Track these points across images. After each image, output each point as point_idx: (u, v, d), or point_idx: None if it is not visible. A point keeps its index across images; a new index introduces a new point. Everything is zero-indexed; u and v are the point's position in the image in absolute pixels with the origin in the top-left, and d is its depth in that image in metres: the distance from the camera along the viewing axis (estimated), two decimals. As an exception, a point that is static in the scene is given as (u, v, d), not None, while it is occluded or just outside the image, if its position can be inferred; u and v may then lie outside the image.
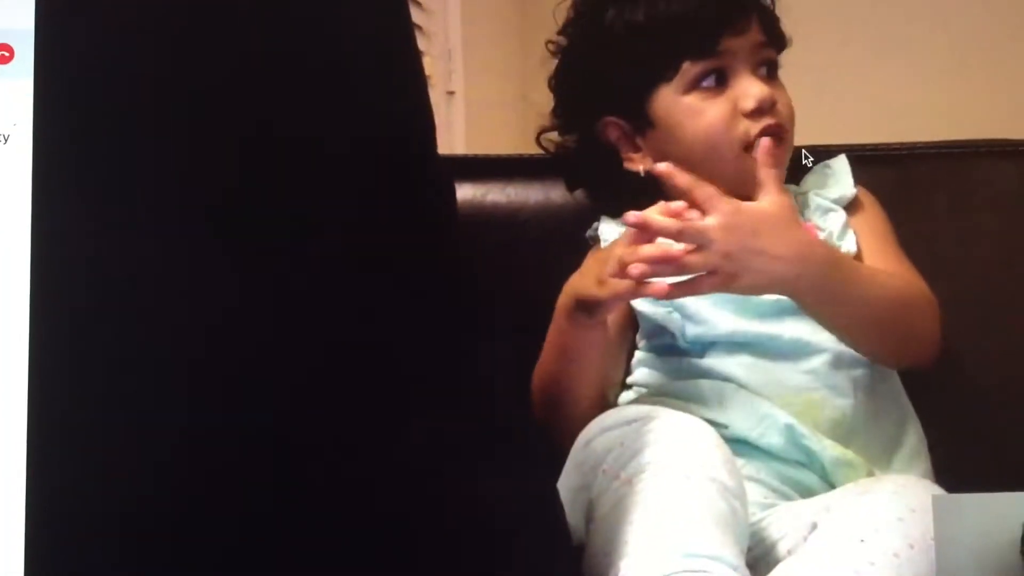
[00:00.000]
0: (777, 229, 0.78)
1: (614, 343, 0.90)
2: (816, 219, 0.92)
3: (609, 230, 0.95)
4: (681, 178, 0.78)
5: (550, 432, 0.85)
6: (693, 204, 0.76)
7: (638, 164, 0.93)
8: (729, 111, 0.88)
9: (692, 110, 0.89)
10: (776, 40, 0.92)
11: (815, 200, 0.93)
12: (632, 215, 0.77)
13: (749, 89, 0.88)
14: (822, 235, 0.90)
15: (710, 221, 0.75)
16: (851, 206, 0.93)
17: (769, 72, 0.91)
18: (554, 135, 1.00)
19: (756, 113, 0.88)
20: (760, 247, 0.76)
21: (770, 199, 0.79)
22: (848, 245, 0.90)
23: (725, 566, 0.65)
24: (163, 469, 0.51)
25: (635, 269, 0.75)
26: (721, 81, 0.89)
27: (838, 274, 0.80)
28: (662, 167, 0.79)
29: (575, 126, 0.97)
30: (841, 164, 0.94)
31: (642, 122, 0.92)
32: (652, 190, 0.86)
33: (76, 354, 0.50)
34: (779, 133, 0.88)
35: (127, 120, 0.52)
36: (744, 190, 0.82)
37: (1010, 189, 0.98)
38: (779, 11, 0.95)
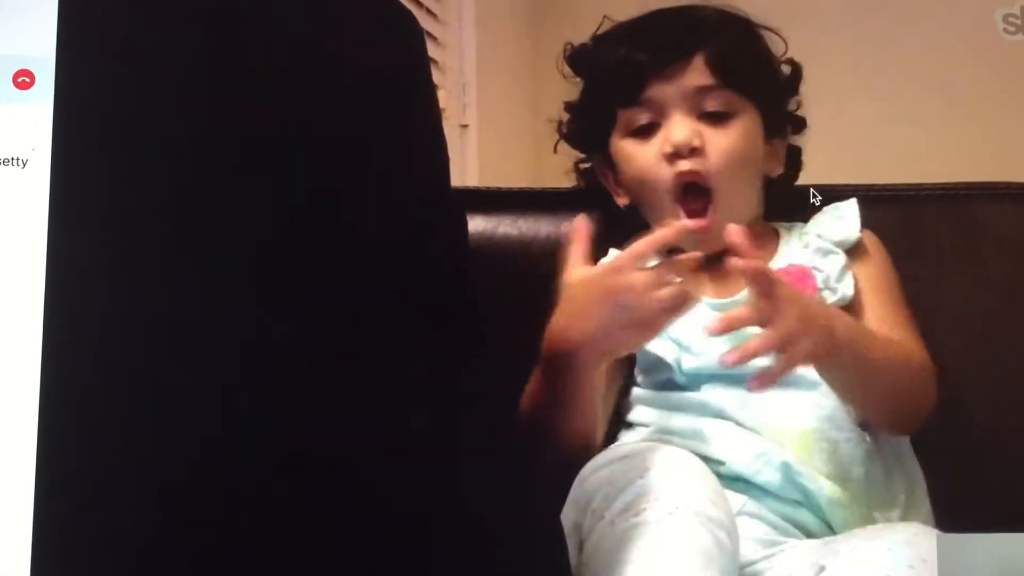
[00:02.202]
0: (814, 305, 0.81)
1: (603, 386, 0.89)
2: (816, 260, 0.92)
3: None
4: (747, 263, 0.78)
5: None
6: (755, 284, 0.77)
7: (622, 199, 0.97)
8: (655, 156, 0.90)
9: (627, 154, 0.93)
10: (735, 80, 0.91)
11: (816, 241, 0.93)
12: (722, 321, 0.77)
13: (670, 133, 0.89)
14: (820, 276, 0.90)
15: (790, 317, 0.76)
16: (855, 250, 0.93)
17: (717, 116, 0.90)
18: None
19: (673, 157, 0.89)
20: (820, 326, 0.78)
21: (788, 291, 0.79)
22: (845, 289, 0.90)
23: None
24: (167, 483, 0.51)
25: (731, 356, 0.76)
26: (653, 127, 0.91)
27: (863, 347, 0.82)
28: (733, 234, 0.78)
29: (586, 154, 1.01)
30: (850, 208, 0.94)
31: (611, 162, 0.96)
32: (640, 223, 0.90)
33: (89, 377, 0.51)
34: (696, 180, 0.89)
35: (145, 147, 0.53)
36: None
37: (1017, 231, 0.99)
38: (791, 50, 0.96)
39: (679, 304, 0.78)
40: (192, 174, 0.53)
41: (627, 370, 0.93)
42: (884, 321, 0.89)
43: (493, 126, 1.78)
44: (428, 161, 0.60)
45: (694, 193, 0.90)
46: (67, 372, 0.50)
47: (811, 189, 0.97)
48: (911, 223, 0.97)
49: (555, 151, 1.02)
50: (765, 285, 0.77)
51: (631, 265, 0.79)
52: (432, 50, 1.62)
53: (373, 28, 0.57)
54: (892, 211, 0.98)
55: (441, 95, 1.60)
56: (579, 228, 0.83)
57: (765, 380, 0.77)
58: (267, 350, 0.52)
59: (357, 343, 0.55)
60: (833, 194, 0.98)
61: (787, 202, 0.98)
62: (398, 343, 0.57)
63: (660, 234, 0.80)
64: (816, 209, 0.97)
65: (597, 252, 0.98)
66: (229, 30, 0.54)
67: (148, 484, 0.50)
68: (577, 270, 0.82)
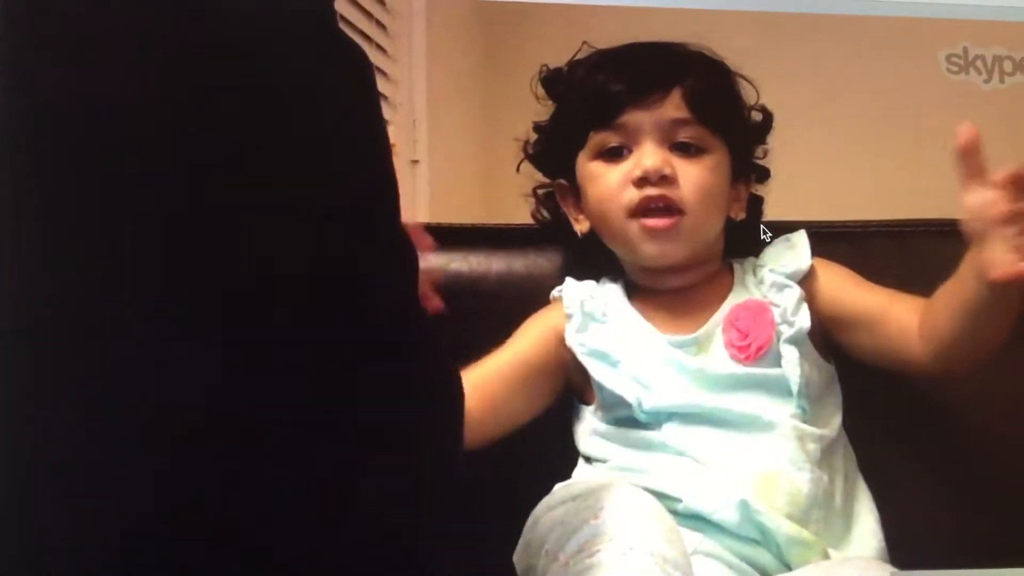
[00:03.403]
0: None
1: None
2: (772, 295, 0.93)
3: (572, 291, 0.96)
4: None
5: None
6: None
7: (581, 225, 0.98)
8: (622, 179, 0.92)
9: (593, 175, 0.94)
10: (709, 117, 0.93)
11: (770, 276, 0.94)
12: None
13: (641, 159, 0.91)
14: (776, 311, 0.91)
15: None
16: (809, 277, 0.94)
17: (689, 149, 0.92)
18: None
19: (642, 182, 0.90)
20: None
21: None
22: (801, 322, 0.90)
23: None
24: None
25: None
26: (622, 152, 0.92)
27: None
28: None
29: (549, 177, 1.02)
30: (800, 239, 0.96)
31: (575, 186, 0.97)
32: (599, 248, 0.94)
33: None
34: (662, 205, 0.90)
35: (87, 164, 0.51)
36: (630, 254, 0.92)
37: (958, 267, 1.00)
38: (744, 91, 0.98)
39: None
40: (140, 198, 0.51)
41: (558, 389, 0.94)
42: (879, 298, 0.90)
43: (444, 161, 1.77)
44: (378, 195, 0.59)
45: (658, 212, 0.91)
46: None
47: (761, 226, 0.98)
48: (857, 259, 0.98)
49: (517, 171, 1.02)
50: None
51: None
52: (382, 86, 1.62)
53: (320, 62, 0.56)
54: (839, 247, 0.99)
55: (391, 131, 1.60)
56: None
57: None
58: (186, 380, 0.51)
59: (296, 378, 0.54)
60: (783, 230, 0.99)
61: (741, 239, 0.99)
62: (342, 379, 0.56)
63: None
64: (767, 244, 0.98)
65: (556, 283, 0.98)
66: (170, 48, 0.53)
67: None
68: None
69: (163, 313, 0.51)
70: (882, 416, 0.94)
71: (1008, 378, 0.93)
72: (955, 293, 0.85)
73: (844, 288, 0.93)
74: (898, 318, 0.88)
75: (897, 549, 0.87)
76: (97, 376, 0.50)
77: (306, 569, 0.53)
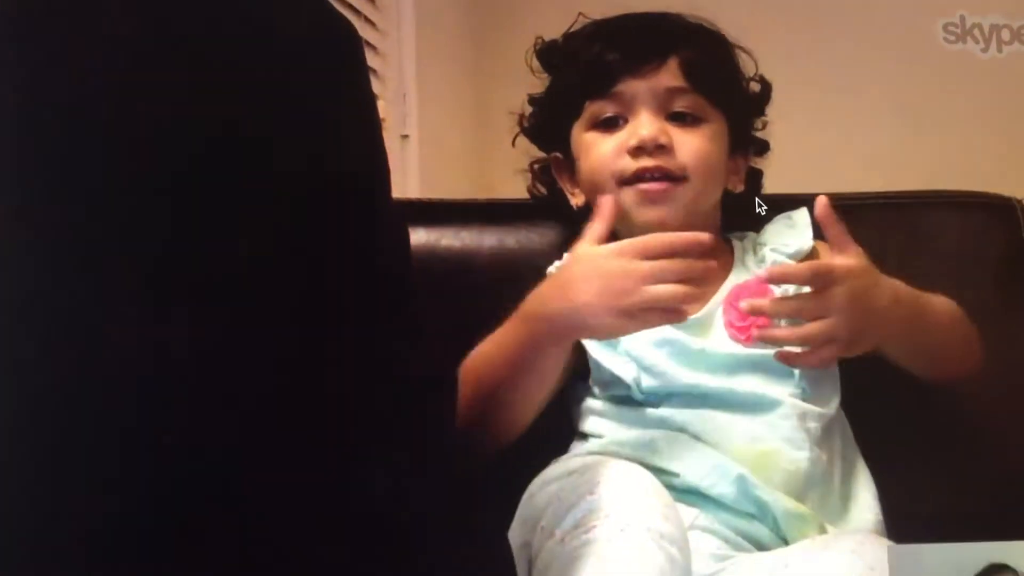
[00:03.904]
0: (877, 289, 0.83)
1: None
2: None
3: None
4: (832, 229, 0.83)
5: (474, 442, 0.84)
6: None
7: (577, 198, 0.97)
8: (616, 148, 0.91)
9: (587, 145, 0.93)
10: (706, 86, 0.91)
11: (771, 256, 0.92)
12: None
13: (637, 128, 0.90)
14: (778, 291, 0.90)
15: (839, 293, 0.81)
16: (810, 258, 0.92)
17: (686, 118, 0.91)
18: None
19: (638, 151, 0.89)
20: (872, 314, 0.82)
21: (857, 258, 0.82)
22: None
23: None
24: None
25: (757, 331, 0.83)
26: (618, 121, 0.91)
27: (916, 317, 0.85)
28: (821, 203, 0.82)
29: (545, 150, 1.01)
30: (802, 216, 0.94)
31: (570, 159, 0.96)
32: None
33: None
34: (659, 174, 0.89)
35: (75, 147, 0.50)
36: (625, 224, 0.90)
37: (957, 238, 1.00)
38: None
39: (673, 306, 0.80)
40: (115, 183, 0.50)
41: (577, 366, 0.92)
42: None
43: (435, 136, 1.76)
44: (368, 171, 0.58)
45: (654, 178, 0.89)
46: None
47: (756, 199, 0.97)
48: (854, 233, 0.97)
49: (513, 144, 1.01)
50: (824, 280, 0.81)
51: (636, 254, 0.79)
52: (371, 59, 1.60)
53: (308, 34, 0.55)
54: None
55: (381, 105, 1.58)
56: (604, 205, 0.85)
57: (789, 359, 0.83)
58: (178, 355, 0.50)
59: (287, 351, 0.53)
60: (778, 204, 0.98)
61: (739, 212, 0.98)
62: (336, 355, 0.55)
63: (675, 237, 0.81)
64: (767, 219, 0.97)
65: (549, 258, 0.97)
66: (159, 22, 0.51)
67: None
68: (585, 245, 0.84)
69: (157, 293, 0.50)
70: (878, 392, 0.93)
71: (1005, 355, 0.93)
72: None
73: None
74: None
75: (894, 523, 0.87)
76: (96, 360, 0.50)
77: (300, 549, 0.52)
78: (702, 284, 0.90)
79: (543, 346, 0.84)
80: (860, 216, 1.02)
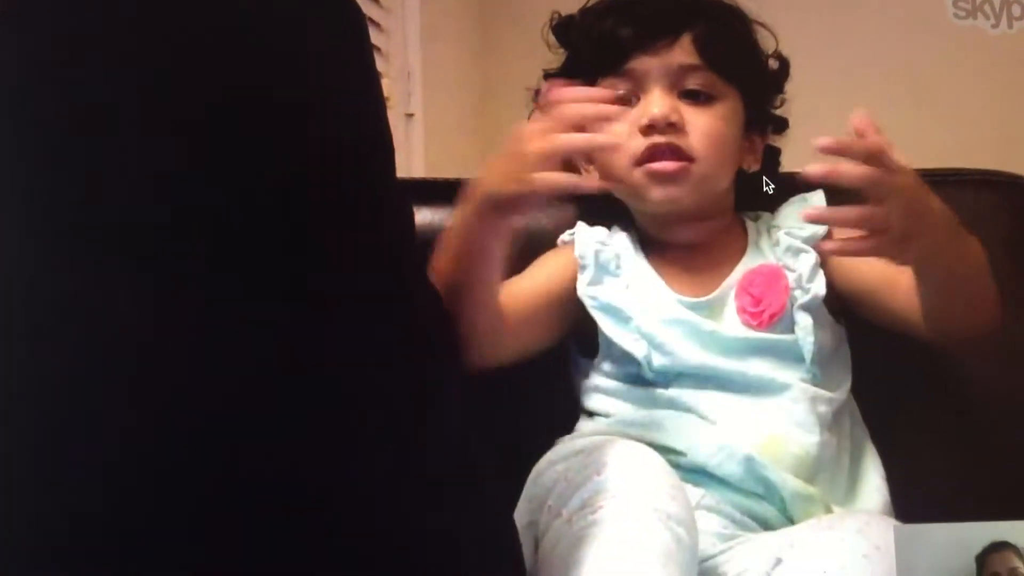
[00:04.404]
0: (929, 197, 0.80)
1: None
2: (787, 260, 0.91)
3: (584, 237, 0.94)
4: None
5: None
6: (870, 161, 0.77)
7: (588, 176, 0.95)
8: (629, 125, 0.89)
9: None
10: (720, 63, 0.90)
11: (786, 240, 0.92)
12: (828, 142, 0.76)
13: (648, 106, 0.89)
14: (791, 276, 0.89)
15: (897, 184, 0.77)
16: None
17: (699, 96, 0.90)
18: None
19: (649, 130, 0.88)
20: (924, 216, 0.79)
21: (903, 171, 0.78)
22: (817, 288, 0.89)
23: None
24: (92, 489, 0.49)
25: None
26: (631, 99, 0.90)
27: (957, 239, 0.82)
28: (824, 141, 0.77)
29: None
30: (817, 199, 0.93)
31: None
32: (608, 201, 0.92)
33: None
34: (669, 152, 0.88)
35: (74, 120, 0.50)
36: (638, 203, 0.91)
37: (966, 216, 0.99)
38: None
39: (553, 154, 0.78)
40: (119, 162, 0.50)
41: (565, 328, 0.92)
42: (891, 272, 0.88)
43: (439, 114, 1.75)
44: (372, 149, 0.57)
45: (665, 156, 0.88)
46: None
47: (763, 178, 0.96)
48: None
49: (528, 120, 1.00)
50: (883, 160, 0.77)
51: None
52: (375, 37, 1.59)
53: (310, 11, 0.54)
54: (843, 199, 0.97)
55: (385, 83, 1.57)
56: (550, 91, 0.82)
57: (835, 249, 0.82)
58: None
59: (290, 337, 0.53)
60: (787, 182, 0.97)
61: (753, 193, 0.97)
62: (342, 338, 0.54)
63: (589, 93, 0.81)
64: (781, 199, 0.96)
65: (554, 238, 0.97)
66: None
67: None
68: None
69: (156, 271, 0.50)
70: (888, 374, 0.93)
71: (1013, 335, 0.92)
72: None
73: (859, 258, 0.91)
74: (905, 290, 0.86)
75: (901, 505, 0.87)
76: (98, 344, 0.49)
77: (303, 526, 0.52)
78: (714, 266, 0.90)
79: (473, 227, 0.82)
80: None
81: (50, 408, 0.49)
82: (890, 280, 0.88)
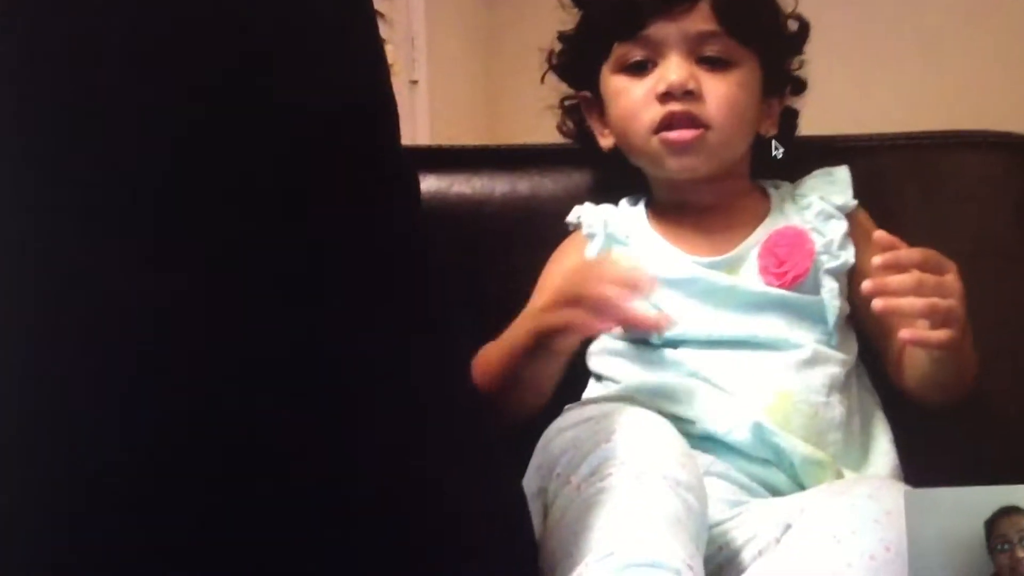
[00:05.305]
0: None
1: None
2: (817, 224, 0.90)
3: (591, 213, 0.94)
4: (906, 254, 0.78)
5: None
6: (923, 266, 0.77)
7: (606, 140, 0.95)
8: (645, 95, 0.89)
9: (617, 90, 0.92)
10: (739, 29, 0.89)
11: (819, 204, 0.91)
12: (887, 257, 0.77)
13: (665, 73, 0.88)
14: (819, 240, 0.89)
15: (954, 280, 0.78)
16: (850, 218, 0.91)
17: (716, 62, 0.89)
18: None
19: (666, 97, 0.87)
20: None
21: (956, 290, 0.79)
22: (847, 256, 0.89)
23: (666, 571, 0.63)
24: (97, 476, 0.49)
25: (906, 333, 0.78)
26: (647, 65, 0.89)
27: (968, 339, 0.82)
28: (879, 236, 0.78)
29: (575, 88, 0.99)
30: (843, 174, 0.93)
31: (599, 98, 0.94)
32: (624, 165, 0.92)
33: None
34: (685, 120, 0.87)
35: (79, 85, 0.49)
36: (656, 170, 0.91)
37: (977, 178, 0.98)
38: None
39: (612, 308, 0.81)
40: (116, 127, 0.49)
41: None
42: None
43: (444, 81, 1.74)
44: (375, 116, 0.56)
45: (682, 125, 0.88)
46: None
47: (772, 141, 0.95)
48: (872, 174, 0.96)
49: (542, 81, 0.99)
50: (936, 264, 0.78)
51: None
52: (378, 3, 1.57)
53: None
54: (855, 161, 0.96)
55: (389, 50, 1.56)
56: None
57: (921, 339, 0.79)
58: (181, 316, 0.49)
59: (300, 310, 0.52)
60: (796, 146, 0.96)
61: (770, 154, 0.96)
62: (348, 311, 0.54)
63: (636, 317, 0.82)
64: (801, 168, 0.95)
65: (561, 204, 0.96)
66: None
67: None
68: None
69: (160, 248, 0.50)
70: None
71: (1018, 302, 0.92)
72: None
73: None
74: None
75: (910, 469, 0.87)
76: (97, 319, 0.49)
77: (314, 495, 0.52)
78: (733, 228, 0.90)
79: (530, 342, 0.86)
80: (878, 159, 1.01)
81: (49, 402, 0.49)
82: None
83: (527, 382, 0.87)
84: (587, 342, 0.92)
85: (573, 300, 0.82)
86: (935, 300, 0.76)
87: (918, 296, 0.76)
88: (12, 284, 0.48)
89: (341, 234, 0.53)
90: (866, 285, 0.77)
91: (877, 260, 0.77)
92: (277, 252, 0.51)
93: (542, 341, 0.85)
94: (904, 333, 0.78)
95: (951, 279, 0.78)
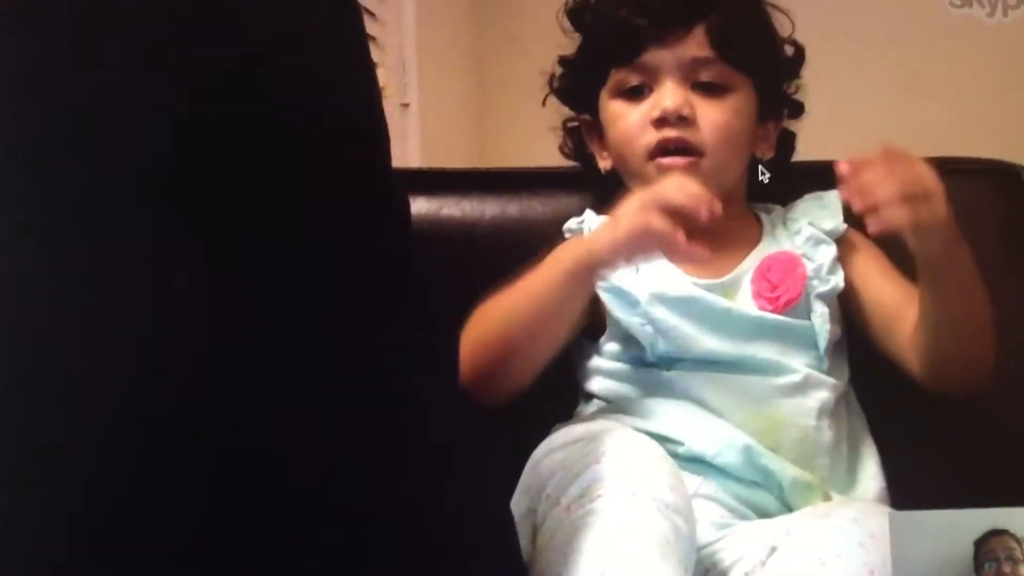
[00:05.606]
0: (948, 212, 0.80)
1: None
2: (807, 249, 0.91)
3: (595, 224, 0.94)
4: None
5: (486, 387, 0.84)
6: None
7: (605, 162, 0.96)
8: (641, 119, 0.90)
9: (614, 114, 0.93)
10: (734, 54, 0.90)
11: (808, 230, 0.92)
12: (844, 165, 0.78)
13: (660, 99, 0.89)
14: (810, 265, 0.90)
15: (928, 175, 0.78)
16: (841, 241, 0.92)
17: (711, 88, 0.89)
18: None
19: (661, 123, 0.88)
20: (945, 218, 0.79)
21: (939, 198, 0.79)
22: (837, 280, 0.89)
23: None
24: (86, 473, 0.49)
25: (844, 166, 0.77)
26: (643, 90, 0.90)
27: (968, 265, 0.82)
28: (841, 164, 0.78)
29: (575, 111, 1.00)
30: (833, 198, 0.93)
31: (598, 122, 0.95)
32: (624, 187, 0.91)
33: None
34: (679, 146, 0.88)
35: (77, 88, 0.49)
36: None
37: (964, 205, 0.99)
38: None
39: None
40: (113, 142, 0.49)
41: (585, 319, 0.91)
42: (909, 296, 0.88)
43: (435, 104, 1.74)
44: (367, 139, 0.57)
45: (676, 152, 0.88)
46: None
47: (759, 166, 0.96)
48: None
49: (543, 104, 1.00)
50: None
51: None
52: (370, 27, 1.58)
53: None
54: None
55: (381, 73, 1.56)
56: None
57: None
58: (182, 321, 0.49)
59: (300, 310, 0.52)
60: (796, 172, 0.97)
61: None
62: (347, 311, 0.54)
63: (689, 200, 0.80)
64: (793, 193, 0.96)
65: (551, 227, 0.97)
66: None
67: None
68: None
69: (158, 251, 0.50)
70: (884, 364, 0.93)
71: (1008, 325, 0.92)
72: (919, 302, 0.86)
73: (874, 270, 0.91)
74: (908, 328, 0.87)
75: (897, 493, 0.87)
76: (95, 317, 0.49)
77: (314, 495, 0.52)
78: (727, 252, 0.90)
79: (564, 279, 0.85)
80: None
81: (49, 402, 0.49)
82: (898, 311, 0.88)
83: (564, 313, 0.86)
84: (579, 359, 0.93)
85: (655, 206, 0.79)
86: (909, 178, 0.77)
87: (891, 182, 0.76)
88: (12, 284, 0.48)
89: (341, 234, 0.54)
90: (842, 167, 0.78)
91: (843, 166, 0.78)
92: (277, 252, 0.51)
93: (605, 259, 0.83)
94: (875, 219, 0.77)
95: (919, 164, 0.78)
